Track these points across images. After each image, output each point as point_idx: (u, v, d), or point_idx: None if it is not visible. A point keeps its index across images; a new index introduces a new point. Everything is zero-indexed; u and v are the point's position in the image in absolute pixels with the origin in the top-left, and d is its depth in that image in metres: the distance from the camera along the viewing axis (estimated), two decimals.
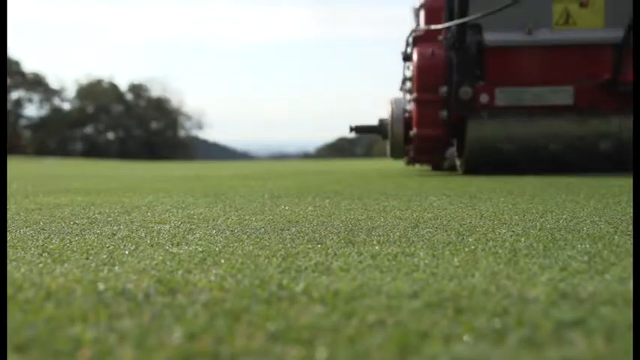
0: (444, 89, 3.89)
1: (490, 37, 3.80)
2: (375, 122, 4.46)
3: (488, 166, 4.06)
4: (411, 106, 4.07)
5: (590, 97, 3.79)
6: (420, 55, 3.81)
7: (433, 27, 3.90)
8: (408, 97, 4.12)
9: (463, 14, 3.55)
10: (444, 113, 3.91)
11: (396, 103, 4.14)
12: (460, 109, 3.84)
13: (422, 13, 4.05)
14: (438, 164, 4.45)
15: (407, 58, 4.17)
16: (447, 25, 3.76)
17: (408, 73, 4.13)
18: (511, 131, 3.96)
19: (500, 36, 3.81)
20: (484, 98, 3.84)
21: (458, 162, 4.14)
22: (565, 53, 3.85)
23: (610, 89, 3.78)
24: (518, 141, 3.97)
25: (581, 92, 3.80)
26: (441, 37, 3.91)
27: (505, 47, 3.84)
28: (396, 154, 4.36)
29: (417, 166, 5.27)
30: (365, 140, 55.60)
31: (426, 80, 3.86)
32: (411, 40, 4.08)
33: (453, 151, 4.27)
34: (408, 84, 4.13)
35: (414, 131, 4.03)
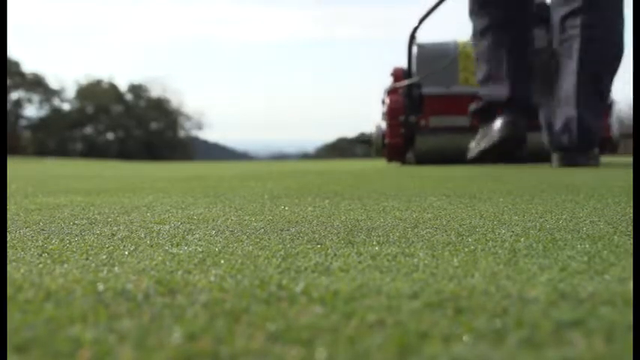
0: (402, 117, 6.93)
1: (425, 90, 6.90)
2: (369, 126, 7.68)
3: (431, 162, 6.82)
4: (384, 127, 7.19)
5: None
6: (390, 99, 7.01)
7: (397, 85, 7.04)
8: (383, 122, 7.27)
9: (410, 77, 6.79)
10: (402, 130, 6.95)
11: (377, 126, 7.42)
12: (410, 128, 6.92)
13: (392, 78, 7.26)
14: (404, 161, 7.32)
15: (383, 102, 7.29)
16: (402, 84, 6.89)
17: (384, 110, 7.21)
18: (442, 141, 6.91)
19: (431, 89, 6.91)
20: (423, 122, 6.96)
21: (413, 159, 7.15)
22: (466, 98, 6.66)
23: None
24: (449, 147, 6.86)
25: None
26: (400, 91, 6.97)
27: (434, 95, 6.92)
28: (376, 154, 7.60)
29: (406, 165, 7.62)
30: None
31: (393, 113, 6.95)
32: (385, 92, 7.26)
33: (410, 154, 7.20)
34: (383, 116, 7.30)
35: (386, 141, 7.10)
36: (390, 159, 7.24)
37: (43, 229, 1.79)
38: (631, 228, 1.67)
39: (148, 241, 1.53)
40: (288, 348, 0.71)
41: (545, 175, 4.37)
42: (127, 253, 1.37)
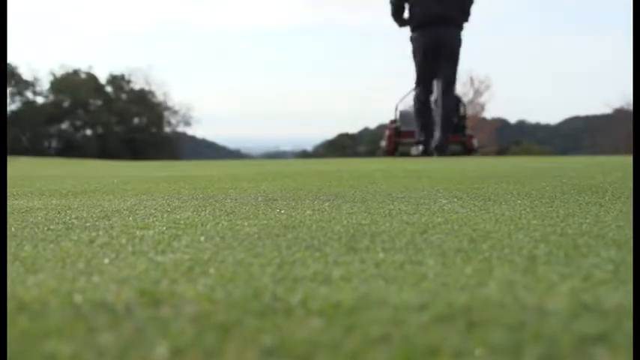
0: (394, 136, 13.38)
1: (403, 128, 13.00)
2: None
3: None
4: (388, 133, 13.37)
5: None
6: (390, 129, 13.25)
7: (392, 125, 13.39)
8: (388, 131, 13.38)
9: (397, 124, 13.31)
10: (394, 140, 13.28)
11: (387, 131, 13.60)
12: (398, 141, 13.21)
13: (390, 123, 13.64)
14: (392, 154, 13.03)
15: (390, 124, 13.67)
16: (394, 125, 13.29)
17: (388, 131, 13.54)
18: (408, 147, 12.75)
19: (405, 128, 12.88)
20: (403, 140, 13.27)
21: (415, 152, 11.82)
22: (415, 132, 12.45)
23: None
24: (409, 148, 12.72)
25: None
26: (393, 127, 13.40)
27: (407, 130, 12.82)
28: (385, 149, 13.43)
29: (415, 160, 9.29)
30: (369, 137, 55.60)
31: (391, 134, 13.20)
32: (390, 122, 13.50)
33: (415, 148, 11.78)
34: (388, 131, 13.43)
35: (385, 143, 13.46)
36: (395, 149, 13.24)
37: (15, 235, 1.79)
38: None
39: (130, 248, 1.53)
40: None
41: (567, 176, 4.38)
42: (106, 261, 1.37)
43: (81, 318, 0.90)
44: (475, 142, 12.93)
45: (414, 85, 11.31)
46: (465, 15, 10.90)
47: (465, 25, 11.03)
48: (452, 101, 11.03)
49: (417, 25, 10.81)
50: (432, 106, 11.08)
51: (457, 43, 10.86)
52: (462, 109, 12.83)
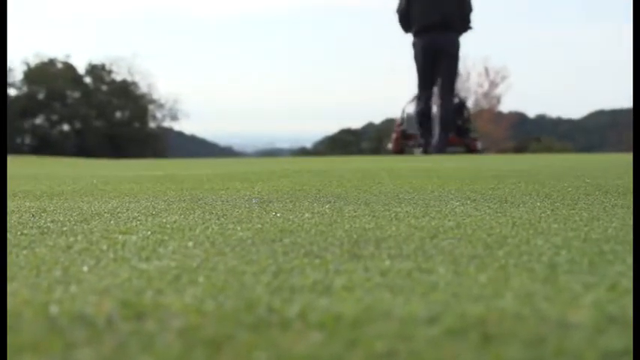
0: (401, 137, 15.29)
1: (410, 130, 14.56)
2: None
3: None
4: (395, 136, 15.24)
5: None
6: (396, 132, 14.97)
7: (398, 128, 15.36)
8: (394, 134, 15.32)
9: (403, 126, 15.17)
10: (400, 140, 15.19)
11: (394, 133, 15.50)
12: (404, 140, 15.02)
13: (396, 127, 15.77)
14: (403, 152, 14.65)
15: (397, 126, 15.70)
16: (400, 128, 15.06)
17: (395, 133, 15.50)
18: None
19: (411, 130, 14.43)
20: (412, 142, 15.03)
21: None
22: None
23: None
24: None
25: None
26: (399, 129, 15.29)
27: (412, 133, 14.51)
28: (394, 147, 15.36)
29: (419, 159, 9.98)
30: (373, 133, 55.65)
31: (397, 136, 14.98)
32: (396, 125, 15.56)
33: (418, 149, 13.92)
34: (394, 134, 15.40)
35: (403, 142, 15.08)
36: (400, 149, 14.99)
37: None
38: None
39: (112, 255, 1.53)
40: None
41: (591, 176, 4.38)
42: (85, 269, 1.37)
43: (57, 332, 0.89)
44: (479, 144, 14.84)
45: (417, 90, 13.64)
46: (464, 22, 12.84)
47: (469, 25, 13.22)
48: (451, 103, 13.11)
49: (417, 31, 12.73)
50: (433, 108, 13.17)
51: (456, 48, 12.86)
52: (465, 113, 14.69)
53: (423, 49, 12.61)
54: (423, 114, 13.09)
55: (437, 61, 12.63)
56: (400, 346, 0.82)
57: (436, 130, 12.94)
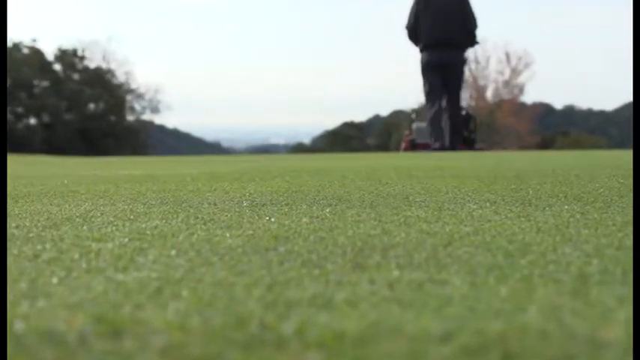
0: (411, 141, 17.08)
1: (419, 140, 16.44)
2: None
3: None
4: (404, 145, 16.99)
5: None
6: (405, 139, 17.05)
7: (408, 137, 17.36)
8: (403, 143, 17.21)
9: (413, 136, 17.03)
10: (410, 145, 16.79)
11: (404, 141, 17.56)
12: (415, 146, 16.51)
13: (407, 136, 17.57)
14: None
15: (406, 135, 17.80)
16: (410, 137, 16.92)
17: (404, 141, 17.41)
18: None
19: (420, 140, 16.28)
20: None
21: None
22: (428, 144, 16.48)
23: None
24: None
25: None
26: (408, 139, 17.12)
27: (422, 142, 16.28)
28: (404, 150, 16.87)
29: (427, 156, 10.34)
30: (379, 127, 55.64)
31: (407, 140, 16.91)
32: (404, 135, 17.83)
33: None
34: (404, 144, 17.17)
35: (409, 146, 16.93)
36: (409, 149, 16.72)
37: None
38: None
39: (84, 265, 1.53)
40: None
41: (625, 175, 4.39)
42: (55, 280, 1.37)
43: (24, 351, 0.90)
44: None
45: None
46: (469, 37, 15.24)
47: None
48: (458, 115, 15.56)
49: (424, 46, 15.10)
50: (443, 117, 15.41)
51: (460, 64, 15.61)
52: (471, 125, 16.65)
53: (430, 65, 15.05)
54: (434, 117, 15.29)
55: (442, 75, 15.08)
56: None
57: (447, 136, 15.22)
